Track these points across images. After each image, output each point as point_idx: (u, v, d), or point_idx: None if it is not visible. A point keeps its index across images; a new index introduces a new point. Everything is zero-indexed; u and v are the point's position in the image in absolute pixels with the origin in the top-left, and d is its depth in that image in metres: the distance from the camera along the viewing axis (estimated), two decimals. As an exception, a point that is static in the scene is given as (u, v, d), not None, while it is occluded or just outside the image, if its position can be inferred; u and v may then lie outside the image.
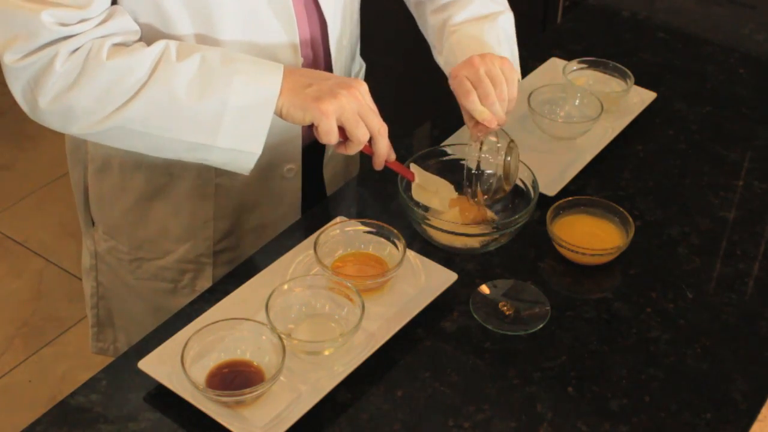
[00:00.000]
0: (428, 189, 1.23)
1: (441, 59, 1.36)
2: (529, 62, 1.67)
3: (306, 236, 1.26)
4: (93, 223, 1.44)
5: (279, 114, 1.15)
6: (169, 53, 1.13)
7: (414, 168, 1.23)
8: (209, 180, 1.33)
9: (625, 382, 1.12)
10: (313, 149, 1.40)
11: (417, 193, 1.22)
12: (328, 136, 1.13)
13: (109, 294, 1.49)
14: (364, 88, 1.15)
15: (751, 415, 1.08)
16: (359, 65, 1.53)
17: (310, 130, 1.39)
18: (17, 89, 1.12)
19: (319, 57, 1.33)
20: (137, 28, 1.17)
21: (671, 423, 1.07)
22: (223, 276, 1.27)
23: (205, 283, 1.40)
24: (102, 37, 1.13)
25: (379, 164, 1.19)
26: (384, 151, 1.17)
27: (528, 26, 2.54)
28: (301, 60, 1.28)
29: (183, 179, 1.32)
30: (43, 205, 2.92)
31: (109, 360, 1.14)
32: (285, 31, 1.25)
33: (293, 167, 1.36)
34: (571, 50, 1.71)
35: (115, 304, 1.50)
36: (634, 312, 1.21)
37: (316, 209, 1.36)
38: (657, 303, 1.22)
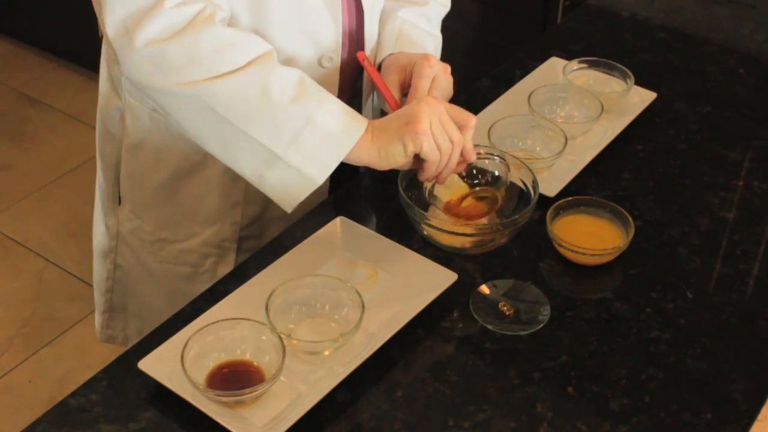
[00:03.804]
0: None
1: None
2: (529, 62, 1.67)
3: (305, 237, 1.26)
4: (119, 202, 1.44)
5: (370, 158, 1.15)
6: (273, 55, 1.14)
7: None
8: None
9: (625, 382, 1.12)
10: None
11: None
12: (433, 152, 1.13)
13: (125, 278, 1.49)
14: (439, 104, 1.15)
15: (751, 415, 1.08)
16: None
17: None
18: (115, 20, 1.08)
19: (353, 45, 1.33)
20: (229, 7, 1.17)
21: (671, 423, 1.07)
22: (223, 276, 1.27)
23: (226, 269, 1.40)
24: (213, 3, 1.12)
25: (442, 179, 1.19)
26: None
27: (528, 26, 2.55)
28: (340, 47, 1.30)
29: (218, 159, 1.31)
30: (43, 205, 2.92)
31: (109, 360, 1.14)
32: (331, 15, 1.26)
33: None
34: (571, 50, 1.71)
35: (130, 289, 1.49)
36: (634, 312, 1.21)
37: (315, 209, 1.36)
38: (657, 303, 1.22)
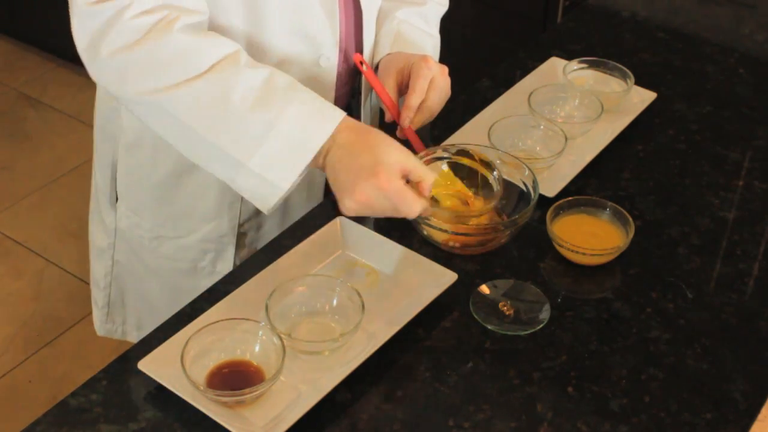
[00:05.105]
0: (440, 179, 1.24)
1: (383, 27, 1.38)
2: (529, 62, 1.67)
3: (305, 237, 1.26)
4: (117, 199, 1.44)
5: (323, 165, 1.12)
6: (239, 56, 1.12)
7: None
8: None
9: (625, 382, 1.12)
10: None
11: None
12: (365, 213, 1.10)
13: (124, 274, 1.49)
14: (392, 169, 1.07)
15: (751, 415, 1.08)
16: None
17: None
18: (84, 35, 1.11)
19: (351, 45, 1.33)
20: (206, 9, 1.17)
21: (671, 423, 1.07)
22: (223, 276, 1.27)
23: (225, 265, 1.40)
24: (178, 8, 1.12)
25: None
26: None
27: (528, 26, 2.55)
28: (337, 46, 1.29)
29: None
30: (43, 205, 2.92)
31: (109, 360, 1.14)
32: (327, 15, 1.25)
33: None
34: (571, 50, 1.71)
35: (129, 285, 1.50)
36: (634, 312, 1.21)
37: (315, 209, 1.36)
38: (657, 303, 1.22)
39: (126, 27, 1.09)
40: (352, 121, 1.12)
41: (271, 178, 1.11)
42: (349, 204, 1.08)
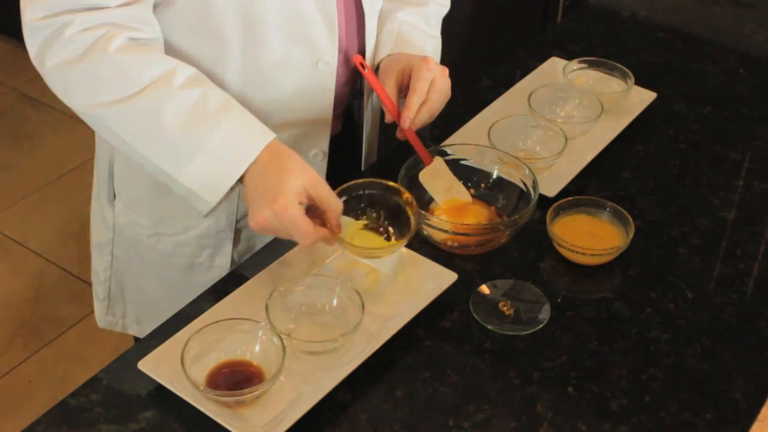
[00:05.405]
0: (440, 180, 1.24)
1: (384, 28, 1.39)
2: (529, 62, 1.67)
3: (306, 236, 1.26)
4: (114, 197, 1.45)
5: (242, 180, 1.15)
6: (174, 76, 1.15)
7: (438, 160, 1.26)
8: None
9: (625, 382, 1.12)
10: (343, 134, 1.42)
11: (424, 177, 1.24)
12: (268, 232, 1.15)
13: (123, 268, 1.50)
14: (292, 196, 1.11)
15: (751, 415, 1.08)
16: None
17: (339, 118, 1.40)
18: (32, 47, 1.17)
19: (351, 47, 1.33)
20: (156, 25, 1.19)
21: (671, 423, 1.07)
22: (223, 276, 1.27)
23: (223, 260, 1.40)
24: (120, 26, 1.15)
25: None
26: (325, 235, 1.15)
27: (528, 26, 2.55)
28: (336, 51, 1.29)
29: None
30: (43, 205, 2.92)
31: (109, 360, 1.14)
32: (325, 20, 1.25)
33: (319, 153, 1.37)
34: (571, 50, 1.71)
35: (128, 279, 1.51)
36: (634, 312, 1.21)
37: (316, 209, 1.35)
38: (657, 303, 1.22)
39: (66, 43, 1.14)
40: (276, 144, 1.16)
41: (200, 193, 1.16)
42: (251, 223, 1.13)
